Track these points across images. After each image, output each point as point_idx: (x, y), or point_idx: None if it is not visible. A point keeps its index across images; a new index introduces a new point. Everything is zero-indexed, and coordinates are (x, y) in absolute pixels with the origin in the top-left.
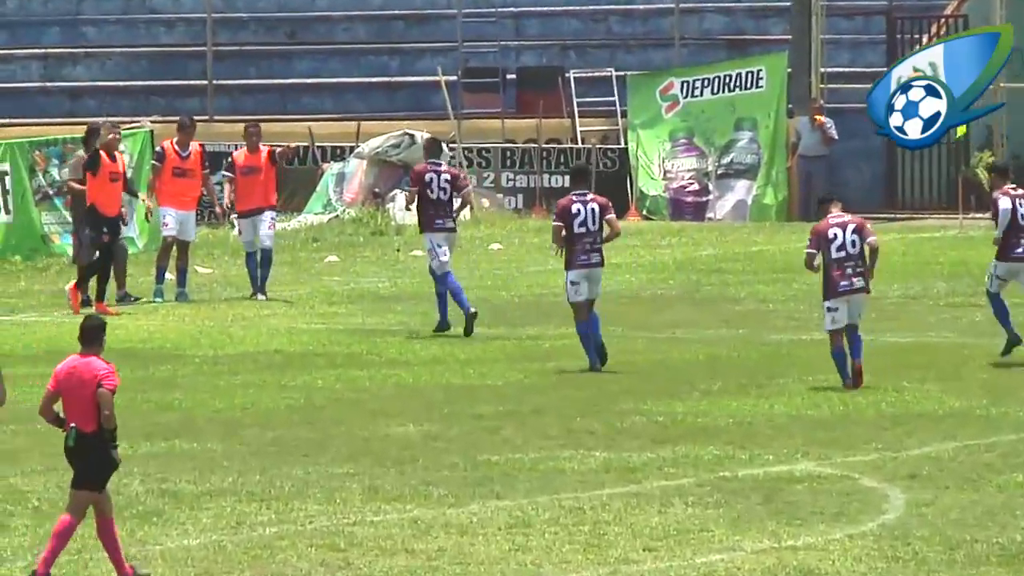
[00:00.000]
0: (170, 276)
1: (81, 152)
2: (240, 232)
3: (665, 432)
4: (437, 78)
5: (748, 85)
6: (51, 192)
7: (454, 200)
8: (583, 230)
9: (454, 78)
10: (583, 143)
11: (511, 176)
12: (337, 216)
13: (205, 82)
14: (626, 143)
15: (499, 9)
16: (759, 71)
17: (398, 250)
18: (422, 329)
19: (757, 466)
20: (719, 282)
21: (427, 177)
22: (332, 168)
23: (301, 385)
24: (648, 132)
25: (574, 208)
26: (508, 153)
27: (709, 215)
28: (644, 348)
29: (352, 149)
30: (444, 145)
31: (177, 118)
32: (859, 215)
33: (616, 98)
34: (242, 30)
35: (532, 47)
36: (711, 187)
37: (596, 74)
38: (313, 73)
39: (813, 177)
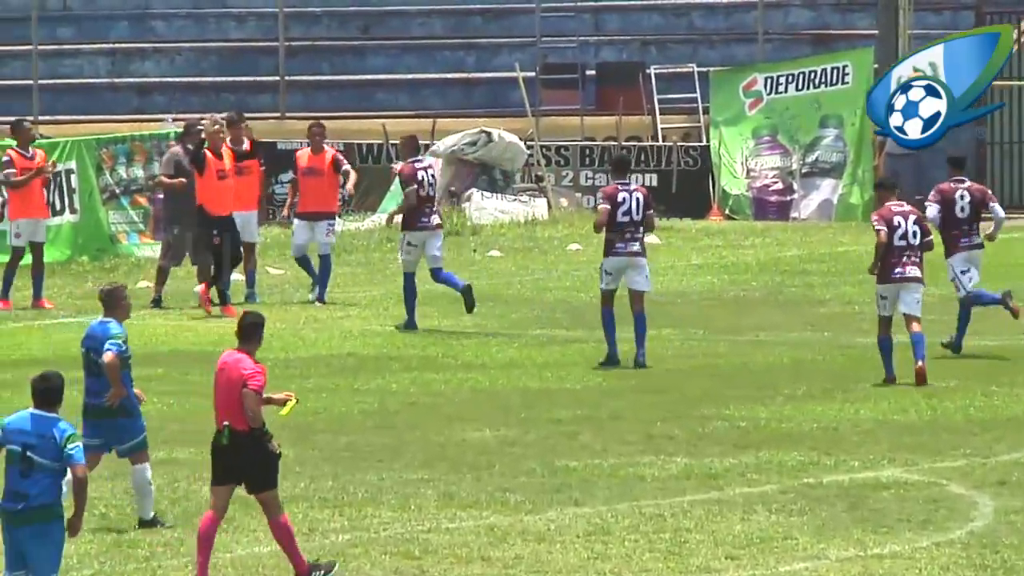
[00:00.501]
0: (239, 277)
1: (178, 148)
2: (293, 233)
3: (748, 437)
4: (515, 74)
5: (833, 81)
6: (118, 191)
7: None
8: (626, 219)
9: (532, 74)
10: (664, 141)
11: (590, 175)
12: None
13: (277, 78)
14: (708, 141)
15: (578, 3)
16: (845, 67)
17: (474, 250)
18: (499, 331)
19: (842, 472)
20: (803, 284)
21: (419, 176)
22: None
23: (375, 389)
24: (731, 129)
25: (619, 196)
26: (587, 151)
27: (793, 215)
28: (727, 351)
29: (427, 147)
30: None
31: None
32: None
33: (698, 94)
34: (315, 25)
35: (612, 42)
36: (795, 186)
37: (677, 70)
38: (388, 69)
39: (900, 176)
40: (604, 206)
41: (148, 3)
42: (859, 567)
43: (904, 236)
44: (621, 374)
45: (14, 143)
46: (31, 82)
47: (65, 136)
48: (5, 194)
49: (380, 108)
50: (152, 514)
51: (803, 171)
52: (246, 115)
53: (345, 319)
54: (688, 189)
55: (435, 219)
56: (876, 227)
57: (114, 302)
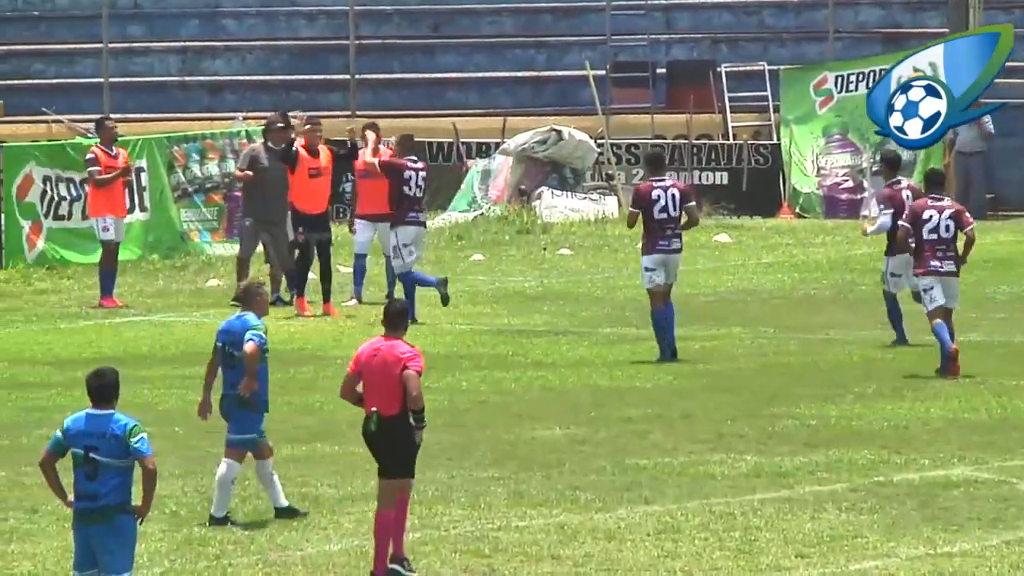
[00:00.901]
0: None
1: (258, 144)
2: (356, 232)
3: (818, 436)
4: (585, 72)
5: None
6: (191, 189)
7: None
8: (663, 216)
9: (602, 72)
10: (734, 139)
11: None
12: (482, 214)
13: (347, 76)
14: (779, 139)
15: (649, 2)
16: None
17: (544, 248)
18: (570, 329)
19: (912, 471)
20: (873, 282)
21: (406, 174)
22: (477, 165)
23: (445, 387)
24: (801, 127)
25: (654, 194)
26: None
27: (864, 213)
28: (797, 349)
29: (498, 145)
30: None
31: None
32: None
33: (768, 93)
34: (385, 23)
35: (683, 41)
36: (866, 184)
37: (748, 68)
38: (458, 67)
39: (971, 174)
40: (632, 209)
41: (219, 1)
42: (929, 565)
43: (935, 230)
44: (692, 372)
45: (98, 141)
46: (102, 80)
47: (135, 135)
48: (84, 191)
49: (450, 107)
50: (286, 503)
51: (873, 169)
52: (317, 114)
53: None
54: (758, 187)
55: (421, 216)
56: (899, 224)
57: (250, 298)
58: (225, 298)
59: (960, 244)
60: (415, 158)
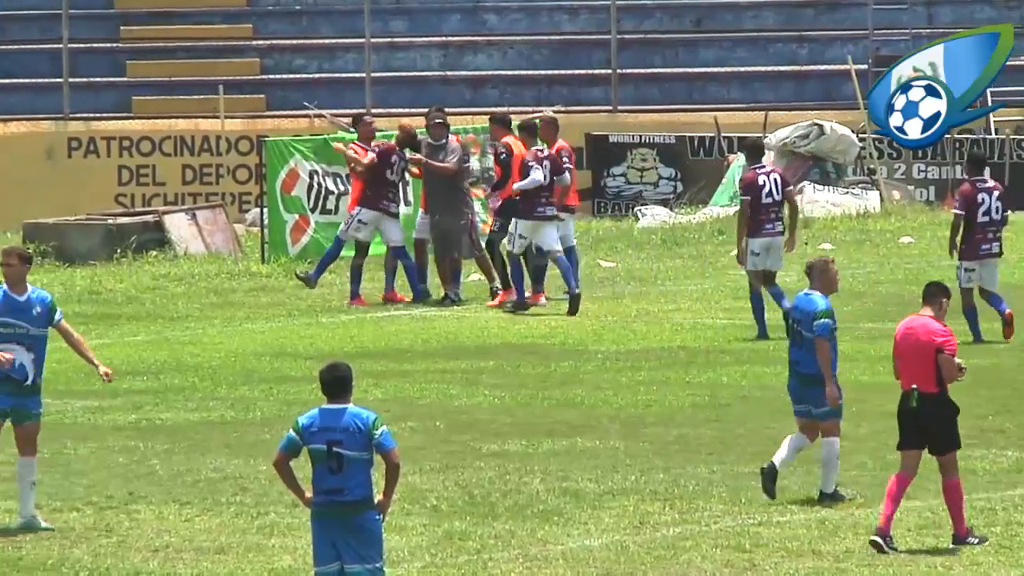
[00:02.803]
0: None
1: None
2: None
3: None
4: (847, 67)
5: None
6: None
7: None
8: (769, 200)
9: (864, 67)
10: (996, 133)
11: (922, 168)
12: None
13: (609, 71)
14: None
15: None
16: None
17: (806, 243)
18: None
19: None
20: None
21: (392, 159)
22: (739, 159)
23: (706, 382)
24: None
25: (760, 180)
26: None
27: None
28: None
29: (760, 139)
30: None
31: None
32: None
33: None
34: (647, 18)
35: (944, 34)
36: None
37: (1011, 63)
38: (720, 62)
39: None
40: (743, 197)
41: None
42: None
43: (987, 212)
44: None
45: (356, 137)
46: (364, 75)
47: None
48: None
49: (711, 101)
50: (833, 488)
51: None
52: (577, 108)
53: (676, 312)
54: (1021, 182)
55: (393, 206)
56: (955, 211)
57: (818, 274)
58: (484, 292)
59: None
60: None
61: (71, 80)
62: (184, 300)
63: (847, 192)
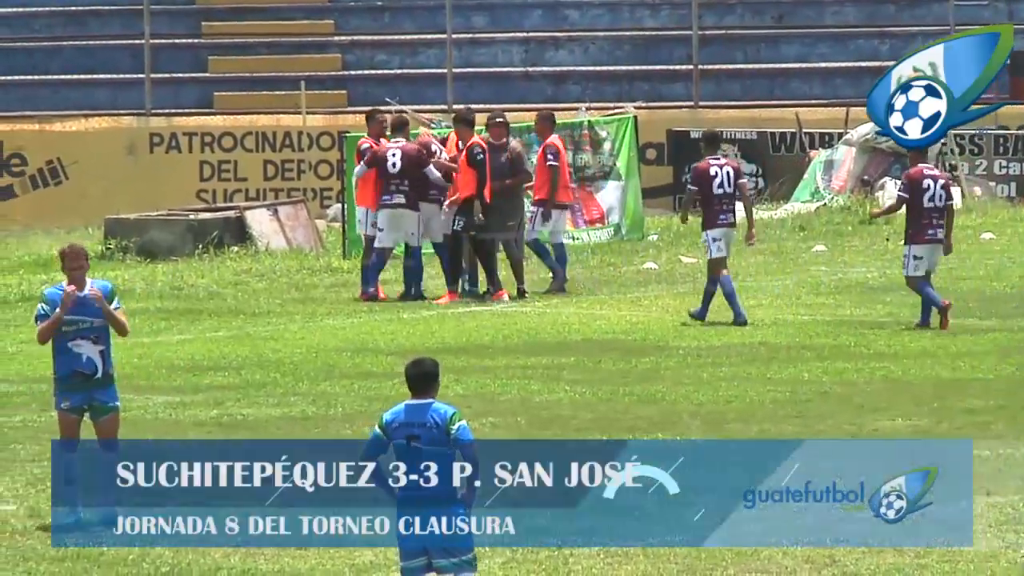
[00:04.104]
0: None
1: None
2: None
3: None
4: None
5: None
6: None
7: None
8: (720, 191)
9: None
10: None
11: (1004, 164)
12: (825, 204)
13: (690, 67)
14: None
15: None
16: None
17: (887, 239)
18: (911, 320)
19: None
20: None
21: (388, 154)
22: (820, 155)
23: (787, 378)
24: None
25: (711, 171)
26: (1001, 140)
27: None
28: None
29: (840, 135)
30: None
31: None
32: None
33: None
34: (729, 14)
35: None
36: None
37: None
38: (801, 58)
39: None
40: (691, 187)
41: None
42: None
43: (932, 198)
44: None
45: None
46: (445, 71)
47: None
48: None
49: (793, 97)
50: None
51: None
52: (659, 104)
53: (757, 308)
54: None
55: (395, 198)
56: (899, 193)
57: None
58: (551, 286)
59: None
60: (398, 139)
61: (153, 76)
62: (265, 296)
63: None
